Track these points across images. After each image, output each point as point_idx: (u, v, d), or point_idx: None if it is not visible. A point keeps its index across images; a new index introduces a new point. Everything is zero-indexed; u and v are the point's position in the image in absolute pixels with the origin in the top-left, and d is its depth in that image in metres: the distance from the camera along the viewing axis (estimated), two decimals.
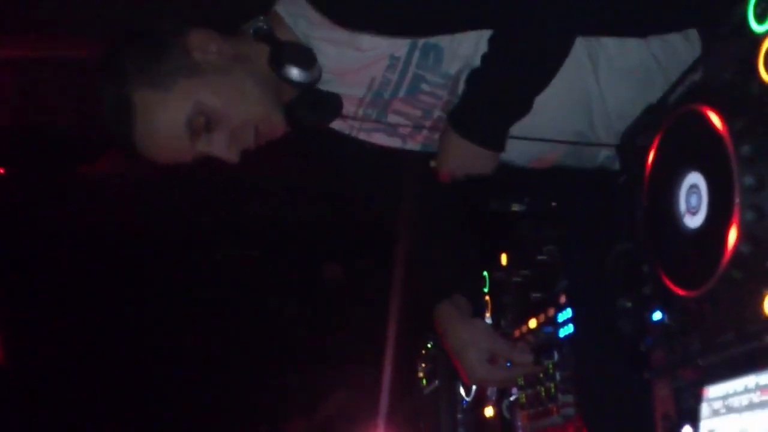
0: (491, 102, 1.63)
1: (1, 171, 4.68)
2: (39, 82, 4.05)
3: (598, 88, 1.72)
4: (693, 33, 1.68)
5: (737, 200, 1.04)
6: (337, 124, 1.82)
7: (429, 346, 2.91)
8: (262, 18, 1.69)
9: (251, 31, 1.68)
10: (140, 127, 1.62)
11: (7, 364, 5.10)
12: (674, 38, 1.69)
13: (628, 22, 1.67)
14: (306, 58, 1.65)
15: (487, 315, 2.18)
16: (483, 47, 1.63)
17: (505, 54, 1.60)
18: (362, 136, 1.85)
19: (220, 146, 1.64)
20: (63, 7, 3.53)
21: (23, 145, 4.45)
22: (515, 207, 1.94)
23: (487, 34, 1.63)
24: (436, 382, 2.72)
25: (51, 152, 4.53)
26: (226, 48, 1.64)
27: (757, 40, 1.03)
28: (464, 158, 1.68)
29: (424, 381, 2.97)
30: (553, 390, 1.80)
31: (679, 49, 1.68)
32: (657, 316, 1.25)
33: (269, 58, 1.65)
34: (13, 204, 4.84)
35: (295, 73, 1.64)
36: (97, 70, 1.66)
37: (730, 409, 1.08)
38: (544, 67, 1.61)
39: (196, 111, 1.61)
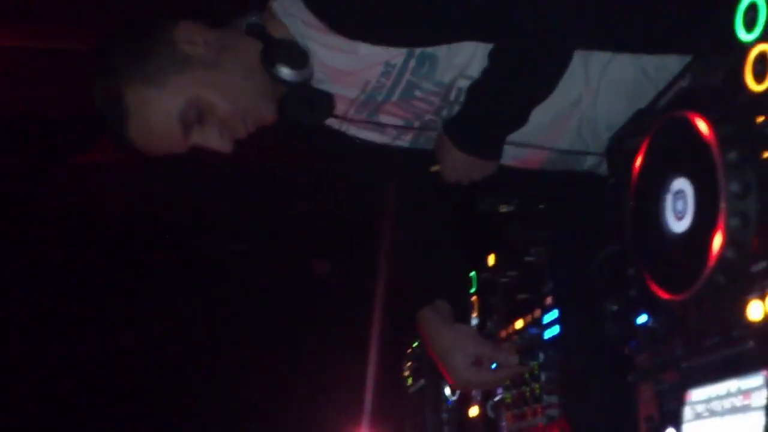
0: (489, 115, 1.65)
1: None
2: (30, 71, 4.04)
3: (589, 97, 1.73)
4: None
5: (723, 206, 1.05)
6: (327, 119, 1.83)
7: (415, 344, 2.92)
8: (256, 14, 1.69)
9: (244, 25, 1.68)
10: (134, 123, 1.65)
11: None
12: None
13: (625, 38, 1.67)
14: (298, 57, 1.66)
15: (474, 315, 2.19)
16: (479, 57, 1.64)
17: (505, 68, 1.61)
18: (352, 131, 1.86)
19: (213, 137, 1.68)
20: None
21: (14, 134, 4.44)
22: (503, 208, 1.95)
23: (483, 45, 1.64)
24: (422, 381, 2.73)
25: (42, 142, 4.52)
26: (212, 40, 1.66)
27: (745, 48, 1.04)
28: (464, 168, 1.71)
29: (410, 380, 2.98)
30: (538, 391, 1.81)
31: (671, 64, 1.68)
32: (642, 319, 1.26)
33: (261, 55, 1.66)
34: (3, 193, 4.83)
35: (286, 72, 1.65)
36: (87, 66, 1.68)
37: (712, 413, 1.09)
38: (543, 82, 1.63)
39: (188, 105, 1.64)
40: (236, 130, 1.69)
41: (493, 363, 1.84)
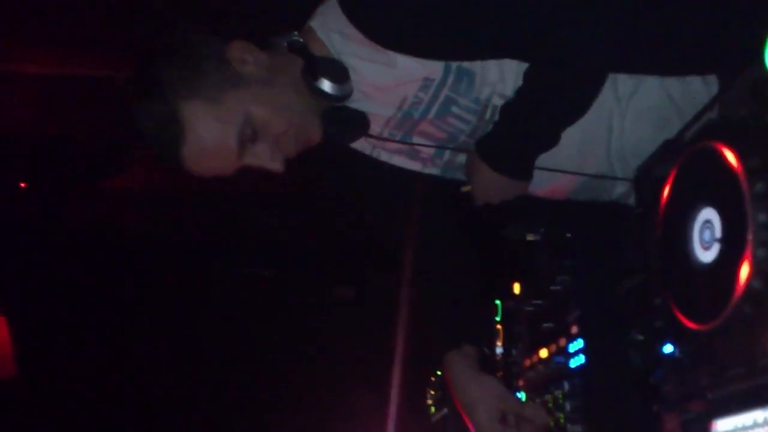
0: (521, 135, 1.66)
1: (23, 185, 4.73)
2: (62, 98, 4.10)
3: (617, 122, 1.74)
4: (711, 75, 1.69)
5: (750, 237, 1.05)
6: (358, 143, 1.83)
7: (438, 373, 2.91)
8: (296, 33, 1.70)
9: (285, 43, 1.69)
10: (190, 141, 1.62)
11: (21, 376, 5.12)
12: (693, 80, 1.70)
13: (657, 59, 1.68)
14: (339, 72, 1.67)
15: (499, 344, 2.19)
16: (508, 74, 1.66)
17: (539, 88, 1.61)
18: (383, 156, 1.86)
19: (266, 156, 1.67)
20: (89, 25, 3.59)
21: (45, 159, 4.50)
22: (530, 236, 1.96)
23: (509, 61, 1.65)
24: (445, 410, 2.72)
25: (72, 167, 4.58)
26: (262, 59, 1.66)
27: None
28: (495, 188, 1.71)
29: (433, 408, 2.97)
30: (562, 420, 1.81)
31: (696, 91, 1.69)
32: (668, 349, 1.26)
33: (303, 70, 1.67)
34: (33, 218, 4.89)
35: (328, 85, 1.65)
36: (132, 86, 1.66)
37: None
38: (577, 103, 1.64)
39: (245, 122, 1.62)
40: (287, 149, 1.68)
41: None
